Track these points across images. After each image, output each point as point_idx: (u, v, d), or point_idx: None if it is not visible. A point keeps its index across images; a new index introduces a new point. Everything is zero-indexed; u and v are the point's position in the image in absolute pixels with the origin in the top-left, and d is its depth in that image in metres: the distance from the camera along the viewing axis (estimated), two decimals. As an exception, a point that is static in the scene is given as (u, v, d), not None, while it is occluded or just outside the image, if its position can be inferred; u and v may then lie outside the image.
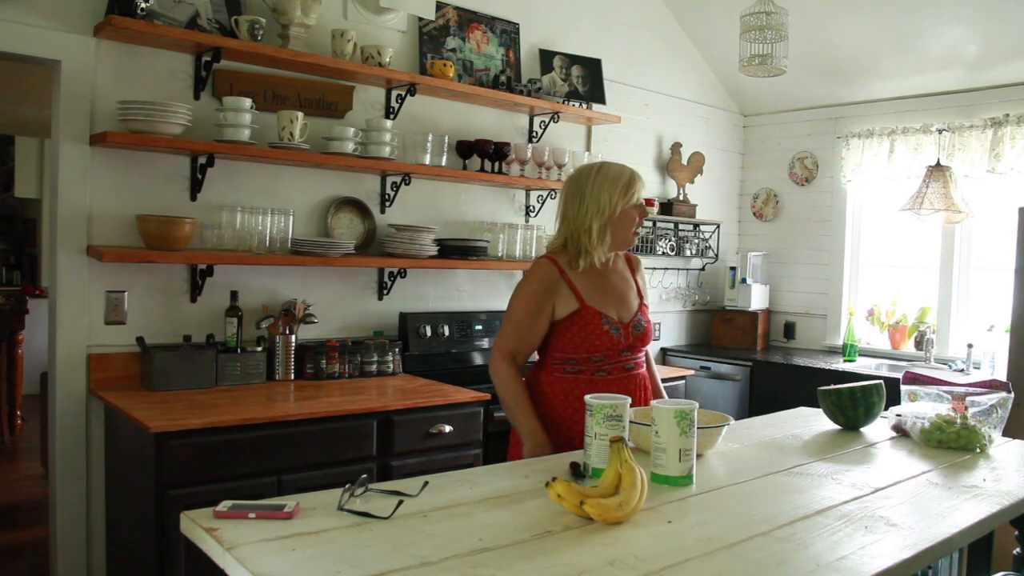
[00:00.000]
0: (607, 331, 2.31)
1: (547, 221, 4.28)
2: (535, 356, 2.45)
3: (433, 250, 3.57)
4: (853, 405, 2.43)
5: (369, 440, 2.89)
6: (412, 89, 3.59)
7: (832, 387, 2.48)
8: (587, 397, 1.85)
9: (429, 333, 3.73)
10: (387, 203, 3.70)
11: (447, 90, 3.70)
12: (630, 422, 1.90)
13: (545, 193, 4.24)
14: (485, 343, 3.94)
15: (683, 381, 4.15)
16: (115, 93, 2.94)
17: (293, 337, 3.27)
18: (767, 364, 4.62)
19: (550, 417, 2.32)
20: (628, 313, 2.38)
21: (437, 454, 3.06)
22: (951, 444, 2.24)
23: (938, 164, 4.33)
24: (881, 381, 2.47)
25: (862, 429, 2.48)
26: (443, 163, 3.65)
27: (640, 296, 2.46)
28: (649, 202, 4.69)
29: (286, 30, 3.22)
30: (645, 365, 2.50)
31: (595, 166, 2.37)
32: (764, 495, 1.77)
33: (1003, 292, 4.00)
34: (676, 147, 4.97)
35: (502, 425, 3.30)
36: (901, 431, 2.39)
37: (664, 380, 3.95)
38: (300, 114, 3.16)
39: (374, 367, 3.45)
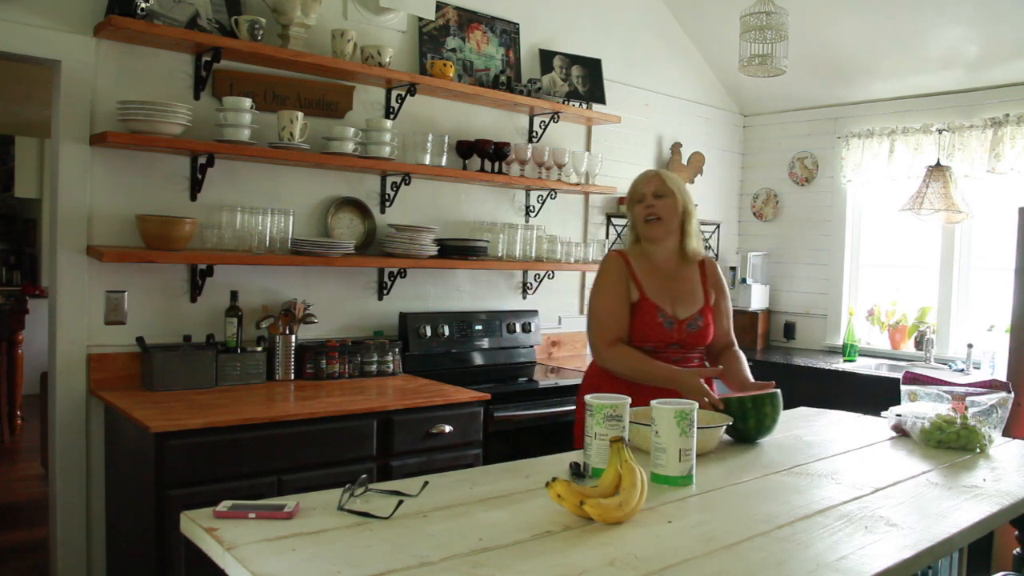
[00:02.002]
0: (660, 323, 2.52)
1: (547, 221, 4.28)
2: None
3: (433, 250, 3.57)
4: (743, 416, 2.22)
5: (369, 440, 2.88)
6: (412, 89, 3.59)
7: (727, 395, 2.31)
8: (587, 397, 1.85)
9: (429, 333, 3.72)
10: (387, 203, 3.70)
11: (447, 90, 3.70)
12: (630, 422, 1.90)
13: (545, 193, 4.24)
14: (485, 343, 3.94)
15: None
16: (115, 93, 2.94)
17: (293, 337, 3.27)
18: (767, 364, 4.62)
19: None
20: (686, 311, 2.57)
21: (437, 454, 3.06)
22: (951, 444, 2.24)
23: (938, 164, 4.33)
24: (778, 390, 2.27)
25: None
26: (443, 163, 3.65)
27: (706, 299, 2.63)
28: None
29: (286, 30, 3.22)
30: (703, 362, 2.65)
31: None
32: (764, 495, 1.77)
33: (1003, 292, 3.99)
34: (676, 147, 4.97)
35: (502, 425, 3.30)
36: (901, 431, 2.39)
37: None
38: (300, 114, 3.16)
39: (374, 367, 3.45)
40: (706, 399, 2.29)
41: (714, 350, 2.71)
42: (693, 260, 2.67)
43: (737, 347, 2.76)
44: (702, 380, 2.37)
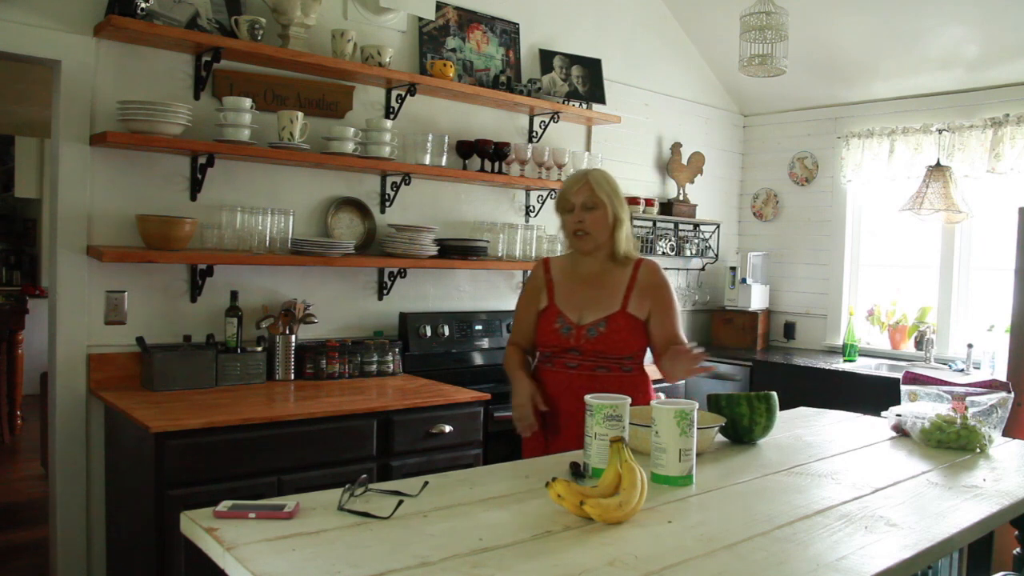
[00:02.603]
0: (556, 329, 2.47)
1: (547, 221, 4.28)
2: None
3: (433, 250, 3.57)
4: (721, 415, 2.21)
5: (369, 440, 2.88)
6: (412, 89, 3.59)
7: (721, 394, 2.26)
8: (587, 397, 1.85)
9: (429, 333, 3.72)
10: (387, 203, 3.70)
11: (447, 90, 3.70)
12: (629, 423, 1.90)
13: (545, 193, 4.24)
14: (485, 343, 3.94)
15: (683, 381, 4.15)
16: (115, 93, 2.94)
17: (293, 337, 3.27)
18: (767, 364, 4.62)
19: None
20: (592, 316, 2.44)
21: (437, 454, 3.06)
22: (951, 444, 2.24)
23: (938, 164, 4.33)
24: (772, 393, 2.24)
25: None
26: (443, 163, 3.65)
27: (624, 305, 2.45)
28: (649, 202, 4.70)
29: (286, 30, 3.22)
30: (613, 373, 2.44)
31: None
32: (764, 495, 1.77)
33: (1003, 292, 4.00)
34: (676, 147, 4.97)
35: (502, 425, 3.30)
36: (901, 431, 2.39)
37: (664, 380, 3.96)
38: (300, 114, 3.16)
39: (374, 367, 3.45)
40: (519, 421, 2.45)
41: (658, 354, 2.53)
42: (624, 264, 2.50)
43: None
44: (530, 402, 2.43)
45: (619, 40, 4.67)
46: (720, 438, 2.24)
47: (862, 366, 4.45)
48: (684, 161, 4.99)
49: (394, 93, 3.66)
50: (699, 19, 4.91)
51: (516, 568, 1.30)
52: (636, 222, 4.65)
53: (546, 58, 4.25)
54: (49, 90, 3.01)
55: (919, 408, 2.44)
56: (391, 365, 3.49)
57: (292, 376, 3.27)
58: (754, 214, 5.45)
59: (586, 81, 4.34)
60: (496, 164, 3.90)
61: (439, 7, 3.82)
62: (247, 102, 3.05)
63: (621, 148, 4.70)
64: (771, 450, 2.19)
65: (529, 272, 2.69)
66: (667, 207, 4.87)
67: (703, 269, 5.26)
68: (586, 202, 2.43)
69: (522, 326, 2.61)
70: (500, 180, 3.87)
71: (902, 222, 4.62)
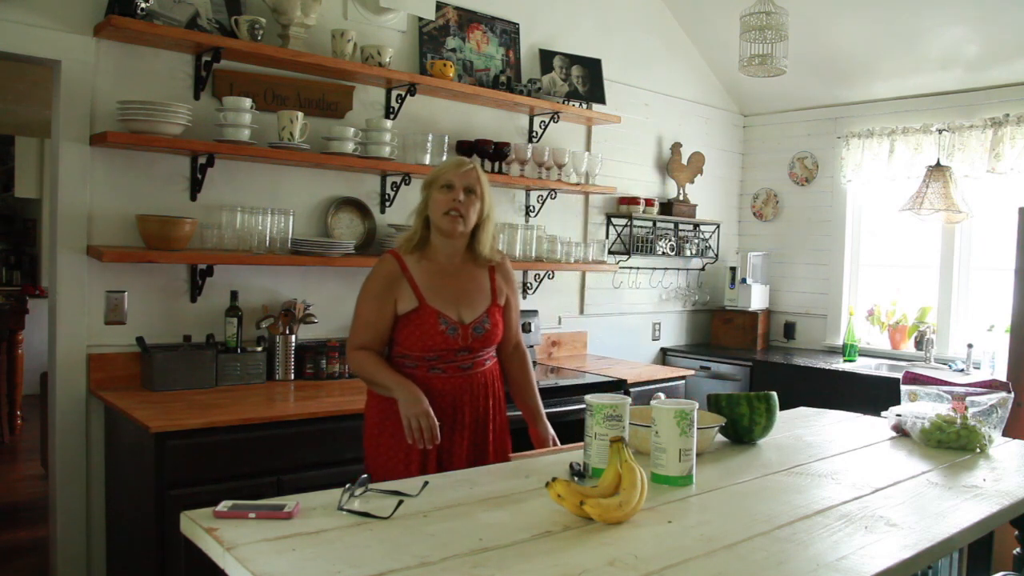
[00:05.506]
0: (443, 331, 2.32)
1: (548, 221, 4.28)
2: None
3: (433, 250, 3.56)
4: (721, 415, 2.22)
5: (369, 440, 2.88)
6: (412, 89, 3.59)
7: (722, 394, 2.27)
8: (587, 397, 1.85)
9: (429, 333, 3.72)
10: (387, 203, 3.70)
11: (447, 90, 3.70)
12: (629, 423, 1.90)
13: (545, 193, 4.23)
14: (485, 343, 3.93)
15: (683, 381, 4.15)
16: (115, 93, 2.94)
17: (293, 337, 3.27)
18: (767, 364, 4.62)
19: (394, 409, 2.29)
20: (471, 315, 2.37)
21: (437, 454, 3.05)
22: (951, 444, 2.24)
23: (938, 164, 4.33)
24: (771, 393, 2.25)
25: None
26: (443, 163, 3.65)
27: (494, 298, 2.43)
28: (649, 202, 4.70)
29: (286, 30, 3.22)
30: (493, 362, 2.48)
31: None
32: (764, 495, 1.77)
33: (1003, 292, 4.00)
34: (676, 147, 4.97)
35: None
36: (901, 431, 2.40)
37: (664, 380, 3.97)
38: (300, 114, 3.16)
39: (374, 367, 3.45)
40: (427, 430, 2.19)
41: (503, 349, 2.54)
42: (484, 264, 2.46)
43: (524, 347, 2.59)
44: (423, 401, 2.23)
45: (619, 40, 4.67)
46: (720, 438, 2.24)
47: (862, 366, 4.45)
48: (684, 161, 4.99)
49: (394, 93, 3.66)
50: (699, 19, 4.91)
51: (516, 568, 1.30)
52: (636, 222, 4.65)
53: (546, 58, 4.25)
54: (49, 90, 3.01)
55: (919, 408, 2.44)
56: (391, 365, 3.49)
57: (292, 376, 3.27)
58: (754, 214, 5.45)
59: (586, 81, 4.34)
60: (496, 164, 3.90)
61: (439, 7, 3.82)
62: (247, 102, 3.05)
63: (621, 148, 4.70)
64: (771, 450, 2.19)
65: (377, 267, 2.41)
66: (667, 207, 4.87)
67: (703, 269, 5.26)
68: (469, 185, 2.33)
69: (377, 328, 2.35)
70: (500, 180, 3.87)
71: (902, 222, 4.62)
